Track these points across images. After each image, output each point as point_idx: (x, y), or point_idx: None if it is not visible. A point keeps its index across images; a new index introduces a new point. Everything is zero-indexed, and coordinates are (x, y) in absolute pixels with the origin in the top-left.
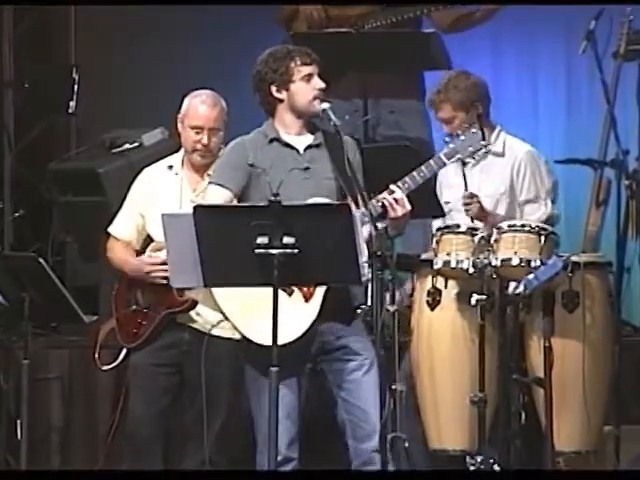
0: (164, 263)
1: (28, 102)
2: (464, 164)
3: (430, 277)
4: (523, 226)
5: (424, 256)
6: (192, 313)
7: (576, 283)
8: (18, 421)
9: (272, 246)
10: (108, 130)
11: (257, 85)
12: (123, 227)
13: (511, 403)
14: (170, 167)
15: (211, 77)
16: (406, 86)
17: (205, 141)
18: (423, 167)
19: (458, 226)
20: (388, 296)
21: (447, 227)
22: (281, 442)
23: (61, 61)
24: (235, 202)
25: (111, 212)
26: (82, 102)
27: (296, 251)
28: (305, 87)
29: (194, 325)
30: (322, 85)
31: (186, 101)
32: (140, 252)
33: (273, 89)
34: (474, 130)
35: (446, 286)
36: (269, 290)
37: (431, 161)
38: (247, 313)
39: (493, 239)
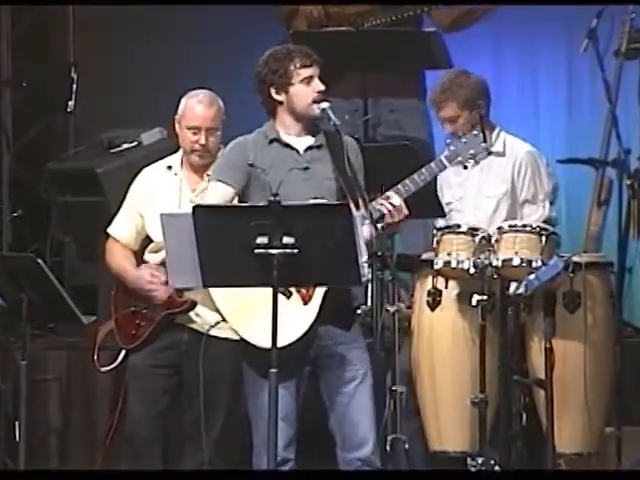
0: (166, 283)
1: (26, 101)
2: (465, 167)
3: (430, 277)
4: (524, 226)
5: (424, 256)
6: (191, 314)
7: (577, 283)
8: (16, 422)
9: (272, 246)
10: (106, 130)
11: (258, 86)
12: (122, 227)
13: (512, 404)
14: (169, 167)
15: (211, 77)
16: (406, 85)
17: (203, 141)
18: (424, 170)
19: (459, 226)
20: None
21: (448, 227)
22: (278, 444)
23: (59, 60)
24: (235, 201)
25: (110, 212)
26: (81, 102)
27: (296, 251)
28: (304, 90)
29: (193, 326)
30: (321, 88)
31: (183, 101)
32: (139, 253)
33: (272, 91)
34: (476, 132)
35: (447, 286)
36: (267, 290)
37: (432, 164)
38: (245, 314)
39: (494, 239)
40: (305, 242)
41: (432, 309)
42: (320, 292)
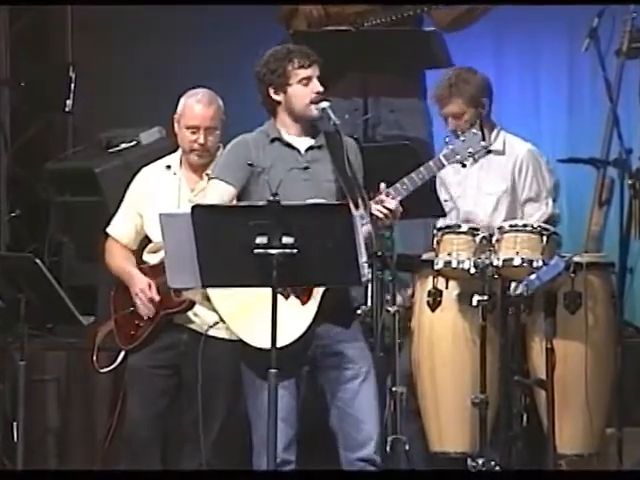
0: (152, 300)
1: (24, 101)
2: (463, 165)
3: (431, 278)
4: (525, 226)
5: (425, 256)
6: (190, 314)
7: (578, 284)
8: (14, 423)
9: (271, 246)
10: (105, 129)
11: (258, 85)
12: (121, 227)
13: (513, 405)
14: (168, 167)
15: (211, 77)
16: (406, 85)
17: (202, 140)
18: (422, 169)
19: (459, 226)
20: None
21: (448, 227)
22: (278, 445)
23: (58, 60)
24: (235, 201)
25: (108, 212)
26: (79, 101)
27: (295, 251)
28: (302, 90)
29: (192, 326)
30: (320, 89)
31: (182, 100)
32: (138, 252)
33: (271, 91)
34: (474, 131)
35: (447, 287)
36: (265, 291)
37: (430, 163)
38: (243, 315)
39: (495, 239)
40: (305, 242)
41: (432, 309)
42: (318, 292)
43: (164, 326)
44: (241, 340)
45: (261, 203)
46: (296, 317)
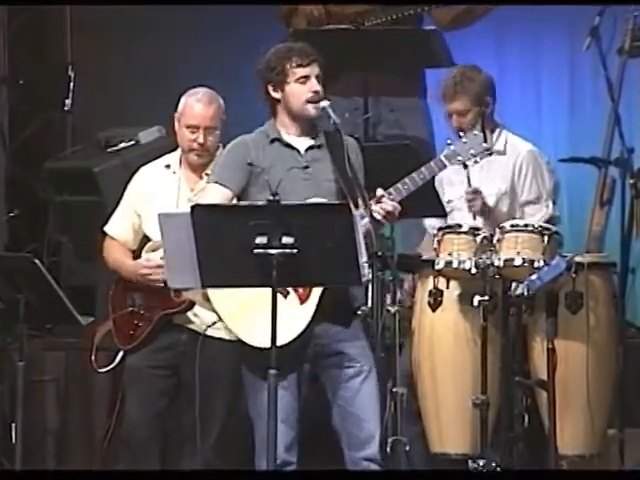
0: (160, 266)
1: (23, 100)
2: (465, 166)
3: (432, 278)
4: (526, 226)
5: (426, 256)
6: (189, 314)
7: (580, 284)
8: (13, 424)
9: (271, 246)
10: (104, 128)
11: (260, 83)
12: (119, 226)
13: (514, 405)
14: (167, 166)
15: (211, 77)
16: (407, 84)
17: (201, 140)
18: (423, 169)
19: (460, 226)
20: (389, 297)
21: (449, 227)
22: (279, 446)
23: (56, 59)
24: (235, 201)
25: (107, 211)
26: (78, 100)
27: (295, 251)
28: (299, 89)
29: (191, 326)
30: (317, 88)
31: (182, 99)
32: (136, 252)
33: (270, 88)
34: (476, 132)
35: (448, 287)
36: (264, 291)
37: (431, 163)
38: (242, 314)
39: (496, 239)
40: (305, 242)
41: (433, 310)
42: (317, 291)
43: (163, 326)
44: (240, 340)
45: (261, 203)
46: (294, 316)
